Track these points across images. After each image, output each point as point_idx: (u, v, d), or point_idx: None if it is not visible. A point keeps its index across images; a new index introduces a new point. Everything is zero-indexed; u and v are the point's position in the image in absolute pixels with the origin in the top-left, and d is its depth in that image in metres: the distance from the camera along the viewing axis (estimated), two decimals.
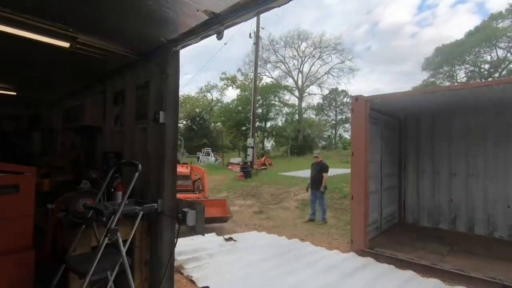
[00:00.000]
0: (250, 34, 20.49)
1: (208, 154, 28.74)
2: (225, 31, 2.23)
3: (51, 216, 2.60)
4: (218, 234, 5.94)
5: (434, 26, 65.19)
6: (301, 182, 12.23)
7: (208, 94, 46.45)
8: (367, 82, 73.66)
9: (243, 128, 38.33)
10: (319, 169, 7.62)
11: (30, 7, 2.21)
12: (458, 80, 34.35)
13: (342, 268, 4.32)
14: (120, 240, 2.15)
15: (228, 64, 75.05)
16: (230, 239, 5.61)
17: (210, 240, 5.42)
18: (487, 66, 32.95)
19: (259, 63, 25.08)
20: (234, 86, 42.41)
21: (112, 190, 2.82)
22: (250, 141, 20.07)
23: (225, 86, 43.78)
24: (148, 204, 2.58)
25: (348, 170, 7.85)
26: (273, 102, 40.41)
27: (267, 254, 4.88)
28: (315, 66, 40.83)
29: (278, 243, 5.65)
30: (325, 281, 3.86)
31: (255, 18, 18.56)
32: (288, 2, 1.84)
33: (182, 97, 41.96)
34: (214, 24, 2.18)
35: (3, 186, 2.23)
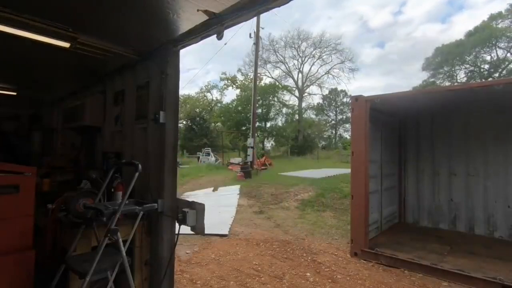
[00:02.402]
0: (250, 34, 20.48)
1: (208, 154, 28.73)
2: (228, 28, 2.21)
3: (51, 216, 2.60)
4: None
5: (467, 9, 59.22)
6: (301, 182, 12.23)
7: (208, 94, 46.49)
8: (383, 76, 68.57)
9: (243, 128, 38.33)
10: None
11: (30, 7, 2.21)
12: (458, 80, 34.37)
13: None
14: (120, 240, 2.15)
15: (234, 55, 72.37)
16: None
17: None
18: (487, 66, 32.96)
19: (259, 63, 25.07)
20: (234, 86, 42.43)
21: (112, 190, 2.82)
22: (250, 141, 20.03)
23: (225, 86, 43.82)
24: (148, 204, 2.58)
25: (348, 170, 7.88)
26: (273, 102, 40.43)
27: None
28: (315, 66, 40.89)
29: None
30: None
31: (255, 18, 18.56)
32: (288, 2, 1.84)
33: (182, 97, 41.97)
34: (214, 24, 2.18)
35: (3, 186, 2.23)
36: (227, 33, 2.27)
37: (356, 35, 70.62)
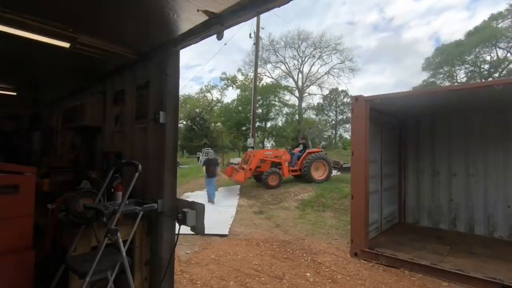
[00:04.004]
0: (250, 34, 20.46)
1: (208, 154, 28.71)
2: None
3: (51, 216, 2.60)
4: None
5: None
6: (301, 182, 12.21)
7: (208, 94, 46.49)
8: (395, 71, 61.03)
9: (243, 128, 38.29)
10: (214, 163, 10.49)
11: (30, 7, 2.21)
12: (458, 80, 34.34)
13: None
14: (120, 240, 2.15)
15: (240, 48, 64.62)
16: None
17: None
18: (487, 66, 32.93)
19: (259, 63, 25.06)
20: (234, 86, 42.42)
21: (112, 190, 2.82)
22: (250, 141, 20.02)
23: (225, 86, 43.81)
24: (148, 204, 2.58)
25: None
26: (273, 102, 40.39)
27: None
28: (315, 66, 40.85)
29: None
30: None
31: (255, 18, 18.54)
32: (288, 2, 1.84)
33: (182, 97, 41.94)
34: (214, 24, 2.18)
35: (3, 186, 2.22)
36: (228, 32, 2.27)
37: (371, 24, 62.78)
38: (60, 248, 2.55)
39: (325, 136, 47.59)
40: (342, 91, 44.48)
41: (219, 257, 5.08)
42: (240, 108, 39.66)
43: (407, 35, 59.48)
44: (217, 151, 30.70)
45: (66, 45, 2.65)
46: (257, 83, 26.35)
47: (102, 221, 2.15)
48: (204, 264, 4.77)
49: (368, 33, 61.11)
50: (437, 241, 5.69)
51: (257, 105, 30.30)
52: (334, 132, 48.44)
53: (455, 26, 52.66)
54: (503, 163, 5.96)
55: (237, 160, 24.33)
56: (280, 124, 42.36)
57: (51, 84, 4.87)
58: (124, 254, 2.18)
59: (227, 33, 2.24)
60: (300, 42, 39.59)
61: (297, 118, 41.09)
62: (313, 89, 43.33)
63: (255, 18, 18.44)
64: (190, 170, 19.61)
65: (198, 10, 2.06)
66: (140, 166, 2.31)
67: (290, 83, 41.83)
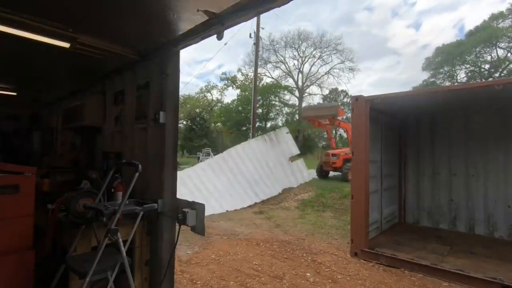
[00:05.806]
0: (250, 34, 20.46)
1: (208, 154, 28.75)
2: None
3: (51, 216, 2.60)
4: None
5: None
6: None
7: (208, 94, 46.53)
8: (408, 66, 56.43)
9: (243, 128, 38.34)
10: None
11: (30, 7, 2.21)
12: (459, 80, 34.32)
13: None
14: (120, 240, 2.15)
15: (244, 43, 62.81)
16: None
17: None
18: (487, 66, 32.91)
19: (259, 63, 25.05)
20: (234, 86, 42.46)
21: (112, 190, 2.82)
22: None
23: (225, 86, 43.86)
24: (148, 204, 2.58)
25: None
26: (273, 102, 40.42)
27: None
28: (315, 66, 40.85)
29: None
30: None
31: (255, 18, 18.54)
32: (288, 2, 1.84)
33: (182, 97, 41.99)
34: (214, 24, 2.18)
35: (3, 186, 2.23)
36: (229, 32, 2.27)
37: (390, 8, 57.36)
38: (60, 248, 2.56)
39: (325, 136, 47.59)
40: (342, 91, 44.45)
41: (219, 257, 5.08)
42: (240, 108, 39.70)
43: (430, 22, 52.91)
44: (217, 151, 30.76)
45: (66, 45, 2.65)
46: (257, 83, 26.34)
47: (102, 221, 2.15)
48: (204, 264, 4.77)
49: (386, 20, 55.20)
50: (437, 241, 5.69)
51: (257, 105, 30.33)
52: (334, 132, 48.42)
53: (485, 11, 46.98)
54: (503, 163, 5.96)
55: None
56: (280, 124, 42.37)
57: (51, 84, 4.87)
58: (124, 254, 2.18)
59: (233, 29, 2.24)
60: (300, 42, 39.61)
61: (297, 118, 41.09)
62: (313, 89, 43.36)
63: (255, 18, 18.43)
64: None
65: (198, 10, 2.06)
66: (140, 166, 2.31)
67: (290, 83, 41.84)
